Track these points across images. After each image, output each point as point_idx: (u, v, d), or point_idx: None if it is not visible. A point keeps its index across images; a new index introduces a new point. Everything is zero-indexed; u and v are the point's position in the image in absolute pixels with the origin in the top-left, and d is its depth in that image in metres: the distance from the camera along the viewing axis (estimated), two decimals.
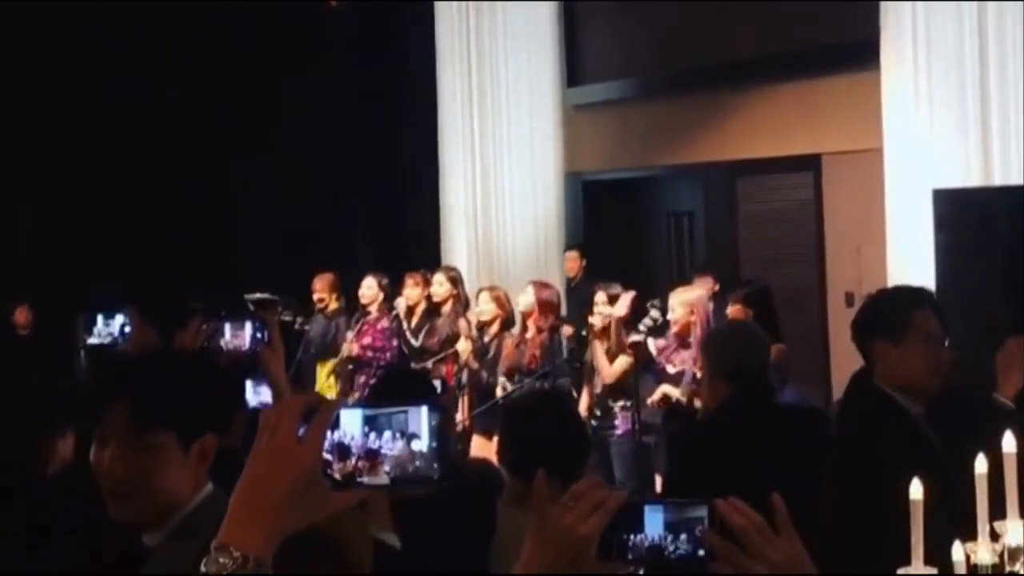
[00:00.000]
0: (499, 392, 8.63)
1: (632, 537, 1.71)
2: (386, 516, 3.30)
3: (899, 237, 8.60)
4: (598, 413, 8.12)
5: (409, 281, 9.92)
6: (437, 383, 8.75)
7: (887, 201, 8.77)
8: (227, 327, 3.26)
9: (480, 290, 9.61)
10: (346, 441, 1.59)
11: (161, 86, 12.30)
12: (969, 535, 2.66)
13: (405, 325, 9.83)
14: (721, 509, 1.69)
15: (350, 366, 9.82)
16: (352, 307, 10.20)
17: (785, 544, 1.70)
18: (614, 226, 12.68)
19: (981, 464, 2.66)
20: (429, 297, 9.83)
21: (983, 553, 2.66)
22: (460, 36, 12.65)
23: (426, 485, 1.60)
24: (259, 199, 13.13)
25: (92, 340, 3.49)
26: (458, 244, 12.62)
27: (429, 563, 3.36)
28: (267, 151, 12.85)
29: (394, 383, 5.06)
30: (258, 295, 10.61)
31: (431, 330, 9.67)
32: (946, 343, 3.88)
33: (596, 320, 8.11)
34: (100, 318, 3.49)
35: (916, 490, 2.55)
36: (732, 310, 8.00)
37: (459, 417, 8.93)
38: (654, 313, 7.75)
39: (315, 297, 10.46)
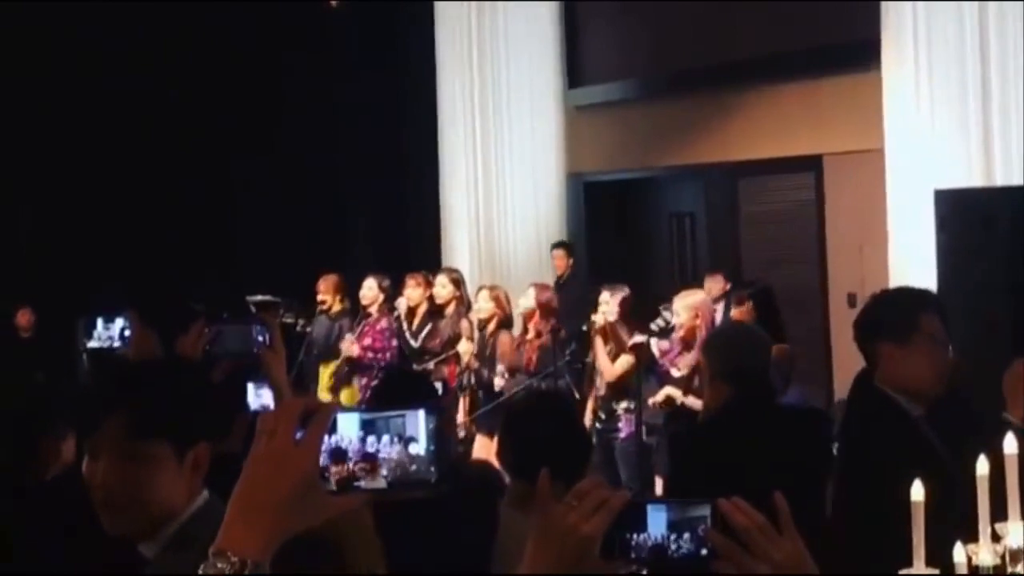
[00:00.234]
0: (498, 382, 8.62)
1: (635, 536, 1.71)
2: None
3: (900, 237, 8.60)
4: (602, 416, 8.11)
5: (410, 282, 9.90)
6: (439, 385, 8.76)
7: (888, 201, 8.77)
8: (228, 330, 3.25)
9: (480, 288, 9.61)
10: (343, 445, 1.59)
11: (161, 86, 12.30)
12: (970, 536, 2.66)
13: (405, 326, 9.82)
14: (724, 508, 1.69)
15: (346, 368, 9.80)
16: (356, 309, 10.18)
17: (787, 544, 1.69)
18: (615, 227, 12.69)
19: (982, 465, 2.66)
20: (431, 298, 9.82)
21: (984, 554, 2.66)
22: (460, 37, 12.64)
23: (424, 488, 1.60)
24: (259, 200, 13.12)
25: (92, 344, 3.48)
26: (459, 245, 12.61)
27: (430, 566, 3.35)
28: (267, 151, 12.84)
29: (395, 385, 5.06)
30: (260, 297, 10.60)
31: (433, 331, 9.66)
32: (949, 348, 3.87)
33: (599, 318, 8.11)
34: (100, 322, 3.48)
35: (917, 491, 2.55)
36: (738, 311, 8.00)
37: (460, 419, 8.93)
38: (667, 315, 7.71)
39: (318, 298, 10.44)
